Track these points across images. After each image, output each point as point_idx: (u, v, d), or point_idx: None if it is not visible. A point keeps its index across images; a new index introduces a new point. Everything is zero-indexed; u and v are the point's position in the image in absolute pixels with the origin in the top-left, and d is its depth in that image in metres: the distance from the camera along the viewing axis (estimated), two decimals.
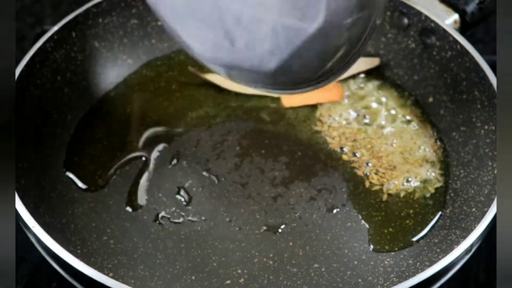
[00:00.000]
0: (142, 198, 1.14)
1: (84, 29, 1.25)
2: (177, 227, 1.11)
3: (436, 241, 1.09)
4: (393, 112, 1.26)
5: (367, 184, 1.17)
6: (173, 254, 1.08)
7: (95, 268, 0.98)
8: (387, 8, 1.28)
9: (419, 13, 1.25)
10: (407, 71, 1.29)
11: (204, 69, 1.23)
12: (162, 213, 1.12)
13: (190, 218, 1.12)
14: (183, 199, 1.14)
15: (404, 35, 1.29)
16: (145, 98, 1.27)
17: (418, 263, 1.06)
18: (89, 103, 1.25)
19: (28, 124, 1.16)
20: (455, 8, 1.24)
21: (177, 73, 1.30)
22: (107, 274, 1.00)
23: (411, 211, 1.14)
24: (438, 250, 1.06)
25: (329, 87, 1.24)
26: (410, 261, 1.07)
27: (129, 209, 1.13)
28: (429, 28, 1.24)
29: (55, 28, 1.22)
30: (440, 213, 1.13)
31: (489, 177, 1.12)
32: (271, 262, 1.07)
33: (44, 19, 1.52)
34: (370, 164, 1.19)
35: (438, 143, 1.21)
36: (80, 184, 1.15)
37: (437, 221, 1.12)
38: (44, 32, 1.22)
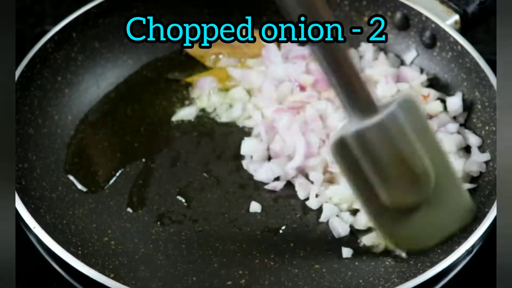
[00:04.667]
0: (142, 199, 1.14)
1: (84, 29, 1.25)
2: (178, 228, 1.11)
3: None
4: None
5: None
6: (174, 255, 1.08)
7: (96, 269, 0.98)
8: (387, 9, 1.28)
9: (419, 14, 1.25)
10: None
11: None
12: (163, 214, 1.12)
13: (191, 219, 1.12)
14: (183, 200, 1.14)
15: (405, 35, 1.29)
16: (145, 99, 1.27)
17: (419, 264, 1.06)
18: (89, 104, 1.25)
19: (28, 124, 1.16)
20: (455, 9, 1.24)
21: (177, 74, 1.30)
22: (108, 275, 1.00)
23: None
24: (439, 251, 1.06)
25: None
26: (411, 262, 1.06)
27: (130, 210, 1.13)
28: (429, 29, 1.24)
29: (56, 28, 1.22)
30: None
31: (489, 177, 1.12)
32: (272, 263, 1.07)
33: (44, 19, 1.51)
34: None
35: None
36: (80, 186, 1.15)
37: None
38: (44, 32, 1.22)
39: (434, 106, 1.19)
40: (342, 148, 0.95)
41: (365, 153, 0.94)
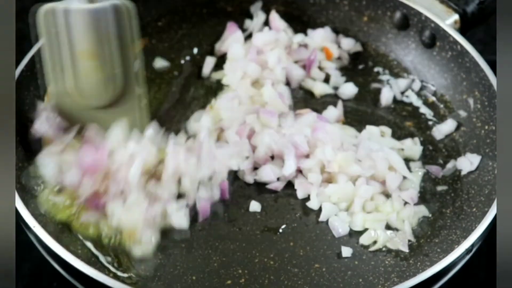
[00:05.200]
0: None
1: None
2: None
3: (437, 241, 1.09)
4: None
5: None
6: (174, 254, 1.08)
7: (95, 268, 0.98)
8: (387, 8, 1.29)
9: (419, 14, 1.25)
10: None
11: None
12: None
13: (190, 218, 1.12)
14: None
15: (404, 35, 1.29)
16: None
17: (419, 263, 1.06)
18: None
19: (29, 124, 1.16)
20: (455, 8, 1.24)
21: (177, 74, 1.30)
22: (108, 274, 1.01)
23: None
24: (438, 250, 1.06)
25: None
26: (411, 261, 1.07)
27: None
28: (429, 29, 1.24)
29: None
30: (440, 213, 1.13)
31: (489, 177, 1.12)
32: (272, 262, 1.07)
33: None
34: None
35: (439, 143, 1.21)
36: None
37: (438, 221, 1.12)
38: None
39: None
40: (50, 18, 1.08)
41: (70, 32, 1.08)
